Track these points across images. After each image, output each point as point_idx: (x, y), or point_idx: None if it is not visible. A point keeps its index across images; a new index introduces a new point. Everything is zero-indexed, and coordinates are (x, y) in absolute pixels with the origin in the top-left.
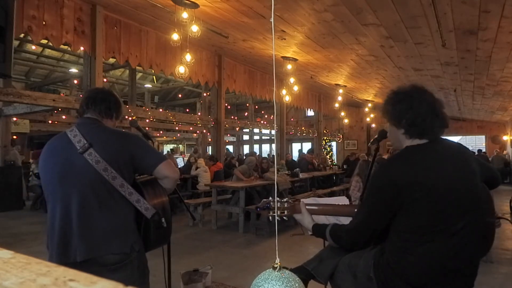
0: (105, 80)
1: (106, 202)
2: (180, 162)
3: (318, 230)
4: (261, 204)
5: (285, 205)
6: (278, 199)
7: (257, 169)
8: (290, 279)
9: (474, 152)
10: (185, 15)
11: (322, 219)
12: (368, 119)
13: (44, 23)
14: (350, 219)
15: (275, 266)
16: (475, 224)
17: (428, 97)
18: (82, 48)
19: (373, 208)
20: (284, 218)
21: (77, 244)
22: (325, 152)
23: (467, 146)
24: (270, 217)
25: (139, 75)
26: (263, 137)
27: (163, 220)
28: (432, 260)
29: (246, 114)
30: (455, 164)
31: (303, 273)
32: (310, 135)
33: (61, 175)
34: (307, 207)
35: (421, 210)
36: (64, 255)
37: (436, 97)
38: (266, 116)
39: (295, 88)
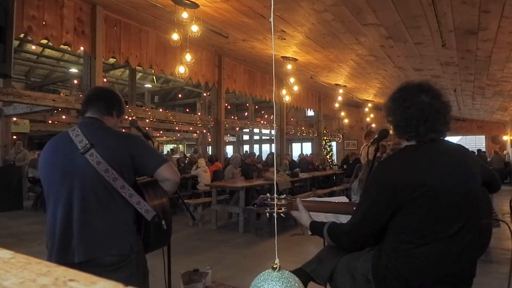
0: (105, 80)
1: (106, 203)
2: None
3: (316, 228)
4: (258, 200)
5: (283, 202)
6: (276, 195)
7: (256, 169)
8: (290, 280)
9: (476, 152)
10: (185, 15)
11: (321, 218)
12: (368, 119)
13: (44, 23)
14: (349, 217)
15: (275, 266)
16: (472, 225)
17: (422, 98)
18: (82, 48)
19: (371, 207)
20: (282, 215)
21: (76, 245)
22: (325, 152)
23: (467, 146)
24: (268, 214)
25: (139, 75)
26: (263, 137)
27: (163, 222)
28: (429, 263)
29: (246, 114)
30: (453, 165)
31: (302, 275)
32: (310, 135)
33: (62, 174)
34: (304, 203)
35: (419, 211)
36: (62, 256)
37: (436, 100)
38: (266, 116)
39: (295, 88)
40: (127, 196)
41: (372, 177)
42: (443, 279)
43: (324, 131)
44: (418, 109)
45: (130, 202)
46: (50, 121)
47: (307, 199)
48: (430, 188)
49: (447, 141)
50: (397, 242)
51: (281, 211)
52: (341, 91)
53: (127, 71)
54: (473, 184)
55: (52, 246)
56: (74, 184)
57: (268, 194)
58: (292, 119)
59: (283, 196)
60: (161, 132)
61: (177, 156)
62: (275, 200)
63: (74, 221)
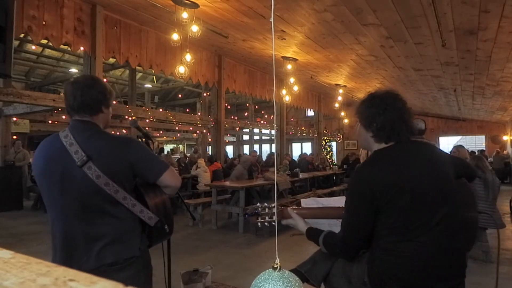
0: (105, 80)
1: (110, 212)
2: None
3: (312, 236)
4: (249, 210)
5: (273, 211)
6: (266, 204)
7: (256, 169)
8: (291, 279)
9: (478, 152)
10: (185, 15)
11: (323, 222)
12: None
13: (44, 23)
14: None
15: (275, 266)
16: (451, 218)
17: (399, 104)
18: (82, 48)
19: (354, 215)
20: (273, 223)
21: (83, 255)
22: (325, 152)
23: (467, 146)
24: (259, 224)
25: (139, 75)
26: (263, 137)
27: (166, 227)
28: (417, 259)
29: (246, 114)
30: (424, 162)
31: (297, 276)
32: (310, 135)
33: (61, 185)
34: (296, 211)
35: (397, 210)
36: (70, 266)
37: (407, 106)
38: (266, 116)
39: (295, 88)
40: (129, 207)
41: (350, 184)
42: (434, 275)
43: (324, 131)
44: (399, 113)
45: (133, 211)
46: (50, 121)
47: (308, 201)
48: (403, 186)
49: (416, 140)
50: (386, 243)
51: (271, 220)
52: (341, 91)
53: (127, 71)
54: (445, 178)
55: (56, 255)
56: (74, 196)
57: (258, 204)
58: (292, 119)
59: (272, 205)
60: (161, 132)
61: (177, 156)
62: (275, 207)
63: (78, 232)
